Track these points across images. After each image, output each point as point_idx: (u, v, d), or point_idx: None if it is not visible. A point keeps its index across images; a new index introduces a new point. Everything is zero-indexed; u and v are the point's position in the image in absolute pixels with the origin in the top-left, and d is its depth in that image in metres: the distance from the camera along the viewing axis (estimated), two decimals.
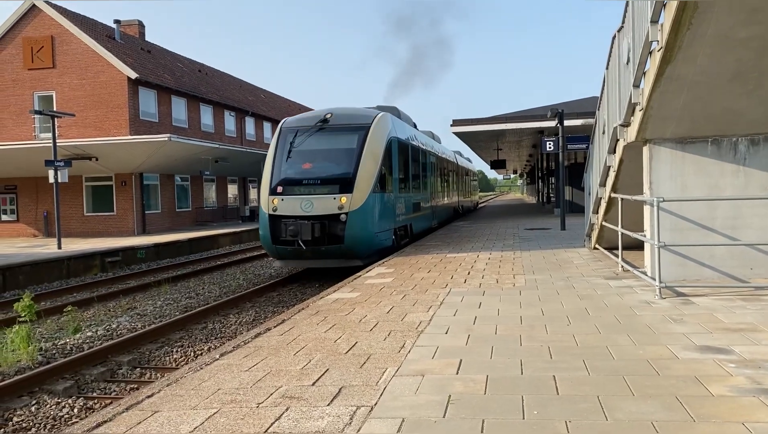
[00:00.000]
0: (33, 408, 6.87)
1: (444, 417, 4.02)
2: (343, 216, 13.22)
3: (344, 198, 13.33)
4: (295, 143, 14.39)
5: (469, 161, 42.42)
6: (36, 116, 26.11)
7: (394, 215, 15.46)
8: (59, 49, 27.47)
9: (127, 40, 31.47)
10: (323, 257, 13.59)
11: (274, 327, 6.98)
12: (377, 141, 14.29)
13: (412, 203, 17.82)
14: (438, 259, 12.66)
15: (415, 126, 21.17)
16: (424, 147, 20.48)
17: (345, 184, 13.52)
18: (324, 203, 13.37)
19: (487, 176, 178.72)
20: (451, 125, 26.11)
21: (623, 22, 8.94)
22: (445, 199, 26.57)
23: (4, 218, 28.07)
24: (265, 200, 13.85)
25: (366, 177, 13.65)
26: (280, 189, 13.77)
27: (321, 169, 13.99)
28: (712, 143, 8.55)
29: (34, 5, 27.53)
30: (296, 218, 13.29)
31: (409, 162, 17.52)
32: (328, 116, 14.58)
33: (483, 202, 66.89)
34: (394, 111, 18.22)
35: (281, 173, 14.09)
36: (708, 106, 7.90)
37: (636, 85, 8.20)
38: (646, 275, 8.76)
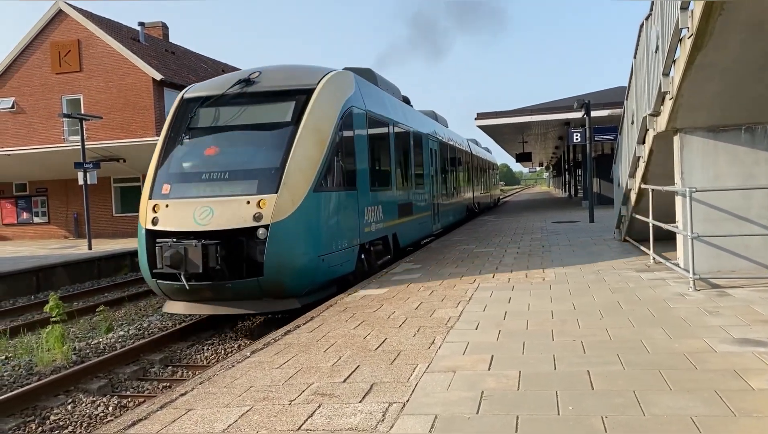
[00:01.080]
0: (69, 407, 6.98)
1: (477, 413, 3.98)
2: (261, 231, 8.47)
3: (265, 201, 8.56)
4: (197, 119, 9.83)
5: (488, 151, 37.80)
6: (64, 119, 26.56)
7: (360, 223, 10.58)
8: (85, 52, 27.86)
9: (152, 42, 31.82)
10: (229, 298, 8.79)
11: (304, 324, 7.00)
12: (325, 112, 9.57)
13: (396, 203, 13.04)
14: (465, 254, 12.59)
15: (407, 102, 16.43)
16: (416, 128, 15.50)
17: (267, 178, 8.78)
18: (230, 210, 8.59)
19: (512, 169, 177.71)
20: (476, 118, 25.97)
21: (651, 9, 8.77)
22: (454, 196, 21.61)
23: (36, 220, 28.61)
24: (143, 208, 9.17)
25: (303, 167, 8.93)
26: (165, 189, 9.14)
27: (231, 156, 9.36)
28: (745, 131, 8.36)
29: (60, 10, 27.95)
30: (184, 235, 8.59)
31: (390, 146, 12.91)
32: (254, 75, 10.00)
33: (507, 196, 65.94)
34: (367, 74, 13.14)
35: (170, 164, 9.53)
36: (741, 94, 7.72)
37: (666, 74, 8.04)
38: (679, 267, 8.60)
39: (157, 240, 8.73)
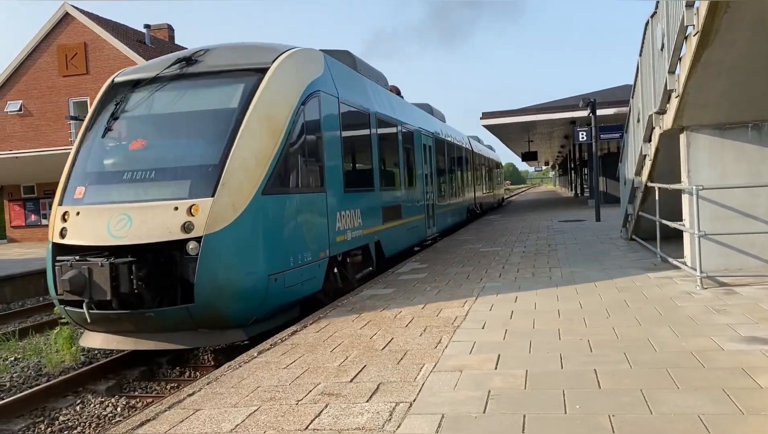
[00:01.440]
0: (78, 408, 7.01)
1: (484, 412, 3.99)
2: (192, 244, 6.78)
3: (197, 206, 6.85)
4: (124, 106, 8.14)
5: (491, 148, 36.43)
6: (72, 121, 26.71)
7: (330, 231, 8.80)
8: (92, 55, 28.00)
9: (158, 44, 31.94)
10: (155, 330, 7.08)
11: (310, 324, 7.02)
12: (281, 96, 7.85)
13: (379, 206, 11.26)
14: (471, 253, 12.59)
15: (397, 92, 14.82)
16: (406, 121, 13.70)
17: (202, 178, 7.10)
18: (153, 219, 6.90)
19: (518, 168, 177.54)
20: (481, 118, 25.96)
21: (656, 7, 8.76)
22: (452, 197, 19.80)
23: (44, 222, 28.72)
24: (52, 217, 7.59)
25: (249, 164, 7.21)
26: (79, 192, 7.54)
27: (160, 151, 7.70)
28: (752, 129, 8.33)
29: (67, 13, 28.11)
30: (97, 251, 6.96)
31: (371, 140, 11.11)
32: (199, 54, 8.34)
33: (512, 195, 65.71)
34: (344, 56, 11.13)
35: (87, 162, 7.90)
36: (747, 91, 7.70)
37: (671, 72, 8.03)
38: (686, 265, 8.58)
39: (57, 258, 7.03)
